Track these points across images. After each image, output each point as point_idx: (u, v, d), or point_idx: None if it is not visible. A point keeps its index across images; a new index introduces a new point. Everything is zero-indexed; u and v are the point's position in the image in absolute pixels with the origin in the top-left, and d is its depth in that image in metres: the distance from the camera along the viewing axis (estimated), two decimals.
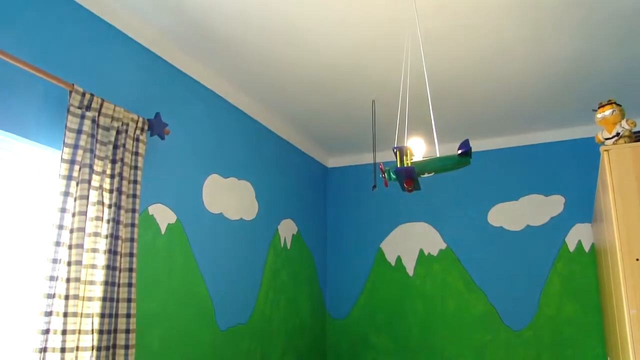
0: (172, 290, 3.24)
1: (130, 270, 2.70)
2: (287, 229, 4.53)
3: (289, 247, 4.52)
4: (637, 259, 2.33)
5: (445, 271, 4.71)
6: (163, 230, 3.21)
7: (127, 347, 2.65)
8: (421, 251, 4.82)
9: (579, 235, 4.40)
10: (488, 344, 4.46)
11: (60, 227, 2.37)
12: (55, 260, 2.35)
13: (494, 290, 4.54)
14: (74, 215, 2.43)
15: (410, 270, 4.82)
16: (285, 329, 4.36)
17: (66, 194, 2.40)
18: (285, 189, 4.60)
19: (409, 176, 2.64)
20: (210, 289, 3.56)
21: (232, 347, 3.72)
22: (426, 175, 2.62)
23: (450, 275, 4.68)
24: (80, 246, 2.42)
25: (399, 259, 4.87)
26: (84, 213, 2.44)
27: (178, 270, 3.30)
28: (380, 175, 2.90)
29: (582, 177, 4.48)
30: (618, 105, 2.70)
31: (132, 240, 2.72)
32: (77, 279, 2.41)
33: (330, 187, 5.29)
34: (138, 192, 2.76)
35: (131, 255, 2.71)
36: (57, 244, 2.36)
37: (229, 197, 3.84)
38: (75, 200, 2.44)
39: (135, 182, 2.75)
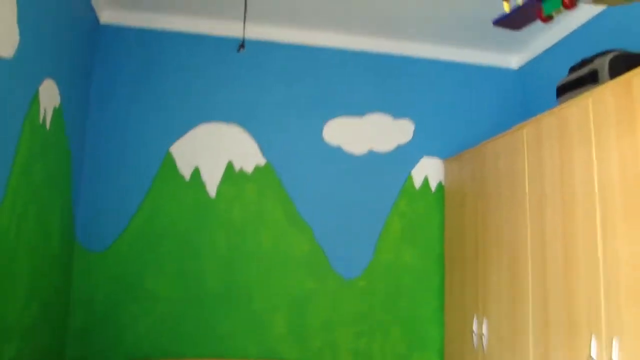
0: None
1: None
2: (48, 96, 2.63)
3: (48, 126, 2.66)
4: None
5: (262, 195, 3.43)
6: None
7: None
8: (230, 165, 3.43)
9: (425, 170, 3.65)
10: (311, 294, 3.39)
11: None
12: None
13: (323, 225, 3.47)
14: None
15: (211, 190, 3.38)
16: (32, 264, 2.53)
17: None
18: (49, 35, 2.67)
19: None
20: None
21: None
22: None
23: (269, 201, 3.43)
24: None
25: (196, 172, 3.39)
26: None
27: None
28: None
29: (434, 101, 3.74)
30: None
31: None
32: None
33: (101, 53, 3.42)
34: None
35: None
36: None
37: None
38: None
39: None
